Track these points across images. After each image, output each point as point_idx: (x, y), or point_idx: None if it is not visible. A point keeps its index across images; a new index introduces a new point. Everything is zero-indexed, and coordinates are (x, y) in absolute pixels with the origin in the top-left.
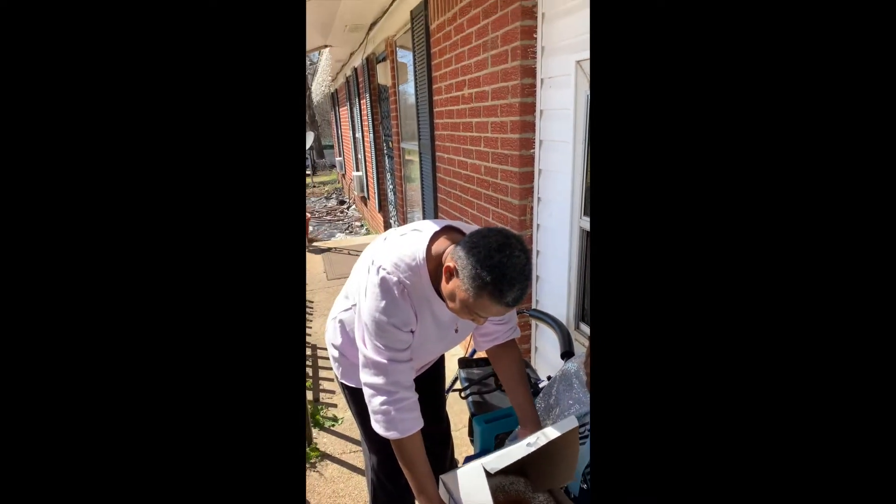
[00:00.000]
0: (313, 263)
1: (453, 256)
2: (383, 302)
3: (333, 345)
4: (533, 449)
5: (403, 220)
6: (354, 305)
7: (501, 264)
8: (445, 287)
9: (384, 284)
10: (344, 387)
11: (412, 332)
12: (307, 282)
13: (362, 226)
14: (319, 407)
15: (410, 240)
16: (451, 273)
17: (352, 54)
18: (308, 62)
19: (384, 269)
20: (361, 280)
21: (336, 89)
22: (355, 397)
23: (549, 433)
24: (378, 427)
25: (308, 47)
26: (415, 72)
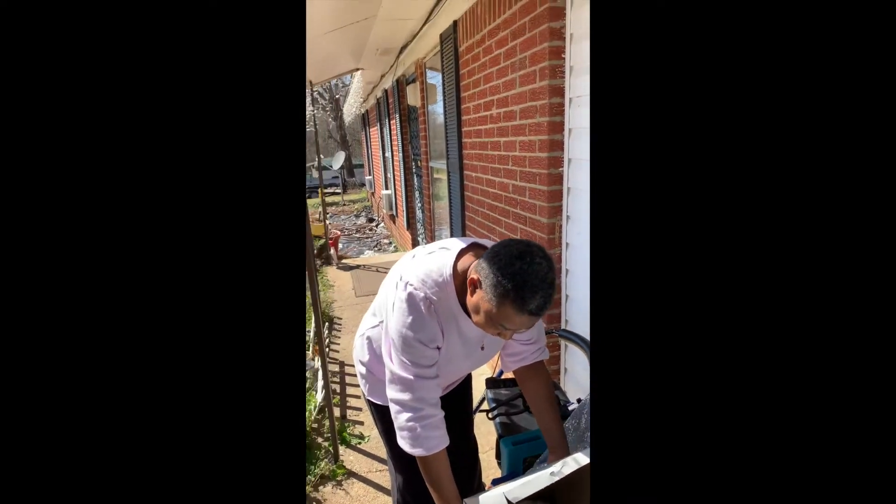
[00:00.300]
0: (342, 280)
1: (476, 268)
2: (410, 317)
3: (361, 362)
4: (557, 478)
5: (431, 238)
6: (381, 322)
7: (523, 271)
8: (470, 300)
9: (411, 300)
10: (371, 404)
11: (438, 348)
12: (336, 299)
13: (391, 243)
14: (346, 424)
15: (438, 257)
16: (475, 285)
17: (382, 76)
18: (341, 84)
19: (411, 285)
20: (389, 296)
21: (367, 110)
22: (382, 415)
23: (581, 459)
24: (403, 444)
25: (341, 70)
26: (444, 92)
